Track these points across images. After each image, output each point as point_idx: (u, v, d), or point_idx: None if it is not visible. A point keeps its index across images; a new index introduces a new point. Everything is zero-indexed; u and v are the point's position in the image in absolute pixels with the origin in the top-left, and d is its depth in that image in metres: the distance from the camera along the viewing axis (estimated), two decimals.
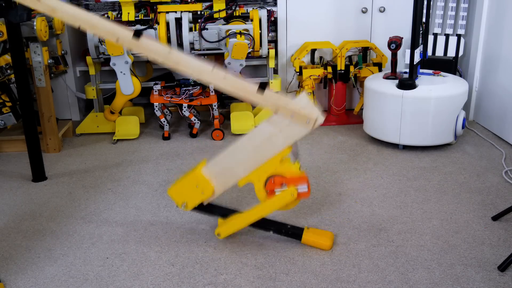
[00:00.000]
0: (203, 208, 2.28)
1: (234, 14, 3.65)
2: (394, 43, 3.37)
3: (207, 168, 2.18)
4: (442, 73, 3.46)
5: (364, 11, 3.93)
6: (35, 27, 3.10)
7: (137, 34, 1.96)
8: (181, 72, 2.02)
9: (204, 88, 3.66)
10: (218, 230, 2.28)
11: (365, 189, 2.79)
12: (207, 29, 3.53)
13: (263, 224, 2.29)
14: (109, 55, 3.42)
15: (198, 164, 2.21)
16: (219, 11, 3.58)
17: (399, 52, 3.93)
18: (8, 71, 3.14)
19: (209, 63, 1.99)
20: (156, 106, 3.61)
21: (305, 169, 3.05)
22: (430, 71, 3.48)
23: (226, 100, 4.17)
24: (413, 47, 3.14)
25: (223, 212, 2.32)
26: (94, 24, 1.98)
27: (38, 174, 3.01)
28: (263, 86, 2.00)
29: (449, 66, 3.86)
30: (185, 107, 3.56)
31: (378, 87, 3.31)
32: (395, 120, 3.24)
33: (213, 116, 3.66)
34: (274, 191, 2.13)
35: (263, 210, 2.19)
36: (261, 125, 2.10)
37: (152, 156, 3.35)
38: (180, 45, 3.60)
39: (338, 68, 3.76)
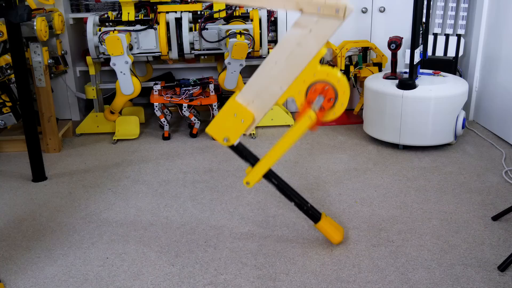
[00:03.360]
0: (238, 150, 2.13)
1: (234, 14, 3.65)
2: (394, 43, 3.37)
3: (241, 95, 2.02)
4: (442, 73, 3.46)
5: (364, 11, 3.93)
6: (35, 27, 3.10)
7: None
8: None
9: (204, 88, 3.66)
10: (247, 179, 2.13)
11: (365, 189, 2.79)
12: (207, 29, 3.53)
13: (289, 192, 2.18)
14: (109, 55, 3.42)
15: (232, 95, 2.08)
16: (219, 11, 3.58)
17: (399, 52, 3.93)
18: (8, 71, 3.14)
19: None
20: (156, 106, 3.61)
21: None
22: (430, 71, 3.48)
23: (226, 100, 4.17)
24: (413, 47, 3.14)
25: (254, 161, 2.14)
26: None
27: (38, 174, 3.01)
28: None
29: (449, 66, 3.86)
30: (185, 107, 3.56)
31: (378, 87, 3.31)
32: (395, 120, 3.24)
33: (213, 116, 3.66)
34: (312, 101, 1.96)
35: (286, 142, 2.03)
36: (288, 32, 1.92)
37: (152, 156, 3.35)
38: (180, 45, 3.60)
39: (338, 68, 3.77)
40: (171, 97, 3.55)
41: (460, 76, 3.91)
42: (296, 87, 1.96)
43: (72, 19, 3.96)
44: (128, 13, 3.54)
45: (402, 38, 3.45)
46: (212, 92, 3.63)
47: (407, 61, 3.93)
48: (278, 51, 1.94)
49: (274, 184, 2.16)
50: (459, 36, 3.84)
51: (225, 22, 3.65)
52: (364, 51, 3.90)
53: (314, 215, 2.21)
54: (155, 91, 3.62)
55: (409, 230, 2.36)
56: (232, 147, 2.12)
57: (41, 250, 2.28)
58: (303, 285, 1.99)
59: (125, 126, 3.70)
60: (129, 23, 3.58)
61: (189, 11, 3.56)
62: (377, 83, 3.35)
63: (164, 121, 3.65)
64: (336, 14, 1.80)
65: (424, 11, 3.21)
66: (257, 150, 3.30)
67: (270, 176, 2.15)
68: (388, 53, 3.82)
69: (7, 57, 3.07)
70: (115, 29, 3.44)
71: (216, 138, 2.10)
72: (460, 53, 3.87)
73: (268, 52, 3.68)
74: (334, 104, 2.00)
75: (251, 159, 2.15)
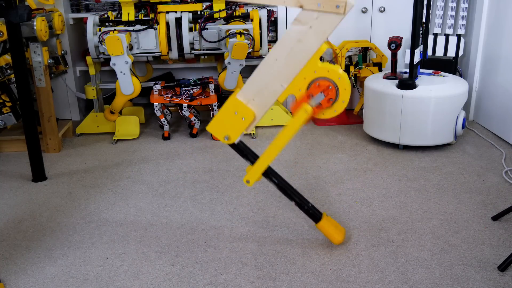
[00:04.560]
0: (239, 148, 2.13)
1: (234, 14, 3.65)
2: (394, 43, 3.37)
3: (242, 92, 2.01)
4: (442, 73, 3.46)
5: (364, 11, 3.93)
6: (35, 27, 3.10)
7: None
8: None
9: (204, 88, 3.66)
10: (247, 177, 2.12)
11: (365, 189, 2.79)
12: (207, 29, 3.53)
13: (290, 191, 2.18)
14: (109, 55, 3.42)
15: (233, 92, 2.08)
16: (219, 11, 3.58)
17: (399, 52, 3.93)
18: (8, 71, 3.14)
19: None
20: (156, 106, 3.61)
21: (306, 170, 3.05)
22: (430, 71, 3.48)
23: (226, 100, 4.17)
24: (413, 47, 3.14)
25: (254, 159, 2.14)
26: None
27: (38, 174, 3.01)
28: None
29: (449, 66, 3.86)
30: (185, 107, 3.56)
31: (378, 87, 3.31)
32: (395, 120, 3.24)
33: (213, 116, 3.66)
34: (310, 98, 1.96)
35: (282, 139, 2.03)
36: (288, 28, 1.90)
37: (152, 156, 3.35)
38: (180, 45, 3.60)
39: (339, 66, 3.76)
40: (171, 97, 3.55)
41: (460, 76, 3.91)
42: (297, 84, 1.96)
43: (72, 19, 3.96)
44: (128, 13, 3.54)
45: (402, 38, 3.45)
46: (212, 92, 3.63)
47: (407, 61, 3.93)
48: (279, 48, 1.93)
49: (274, 183, 2.16)
50: (459, 36, 3.84)
51: (225, 22, 3.65)
52: (364, 51, 3.90)
53: (314, 214, 2.21)
54: (155, 91, 3.62)
55: (409, 230, 2.36)
56: (233, 145, 2.12)
57: (41, 250, 2.27)
58: (303, 285, 1.99)
59: (125, 126, 3.70)
60: (129, 23, 3.58)
61: (189, 11, 3.56)
62: (377, 83, 3.35)
63: (164, 121, 3.65)
64: (337, 10, 1.79)
65: (424, 11, 3.21)
66: (257, 150, 3.29)
67: (270, 175, 2.15)
68: (388, 53, 3.82)
69: (7, 57, 3.07)
70: (115, 29, 3.44)
71: (217, 136, 2.09)
72: (460, 53, 3.87)
73: (268, 52, 3.68)
74: (335, 101, 2.00)
75: (252, 158, 2.15)
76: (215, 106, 3.61)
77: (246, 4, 3.87)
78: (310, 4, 1.81)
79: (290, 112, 1.86)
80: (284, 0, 1.85)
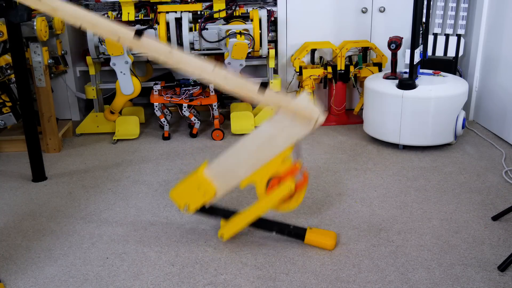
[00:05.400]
0: (205, 210, 2.27)
1: (234, 14, 3.65)
2: (394, 43, 3.37)
3: (209, 170, 2.17)
4: (442, 73, 3.46)
5: (364, 11, 3.93)
6: (35, 27, 3.10)
7: (138, 33, 1.95)
8: (182, 71, 2.02)
9: (204, 88, 3.66)
10: (221, 231, 2.27)
11: (365, 189, 2.79)
12: (207, 29, 3.53)
13: (266, 224, 2.29)
14: (109, 55, 3.42)
15: (199, 166, 2.20)
16: (219, 11, 3.58)
17: (399, 52, 3.93)
18: (8, 71, 3.14)
19: (210, 63, 1.99)
20: (156, 106, 3.61)
21: (306, 168, 3.05)
22: (430, 71, 3.48)
23: (226, 100, 4.17)
24: (413, 47, 3.14)
25: (225, 213, 2.31)
26: (95, 24, 1.98)
27: (38, 174, 3.01)
28: (264, 86, 1.99)
29: (449, 66, 3.86)
30: (185, 107, 3.56)
31: (378, 87, 3.31)
32: (395, 120, 3.24)
33: (213, 116, 3.66)
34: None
35: (263, 207, 2.17)
36: (262, 125, 2.10)
37: (152, 156, 3.35)
38: (180, 45, 3.60)
39: (338, 68, 3.76)
40: (171, 97, 3.55)
41: (460, 76, 3.91)
42: (259, 175, 2.12)
43: None
44: (128, 13, 3.54)
45: (402, 38, 3.45)
46: (212, 92, 3.63)
47: (407, 61, 3.92)
48: (251, 139, 2.11)
49: (249, 225, 2.26)
50: (459, 36, 3.84)
51: (225, 22, 3.65)
52: (364, 51, 3.90)
53: (298, 234, 2.27)
54: (155, 91, 3.62)
55: (409, 230, 2.36)
56: (198, 210, 2.25)
57: (41, 250, 2.28)
58: (303, 285, 1.99)
59: (125, 126, 3.70)
60: (129, 23, 3.58)
61: (189, 11, 3.56)
62: (377, 83, 3.35)
63: (164, 121, 3.65)
64: (307, 124, 1.99)
65: (424, 11, 3.21)
66: None
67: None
68: (388, 53, 3.82)
69: (7, 57, 3.07)
70: None
71: (177, 203, 2.24)
72: (460, 53, 3.87)
73: (268, 52, 3.68)
74: (293, 196, 2.14)
75: (222, 214, 2.30)
76: (215, 106, 3.61)
77: (246, 4, 3.87)
78: (286, 113, 2.00)
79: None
80: (267, 101, 1.99)
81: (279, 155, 2.07)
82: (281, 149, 2.06)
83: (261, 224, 2.28)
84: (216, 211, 2.31)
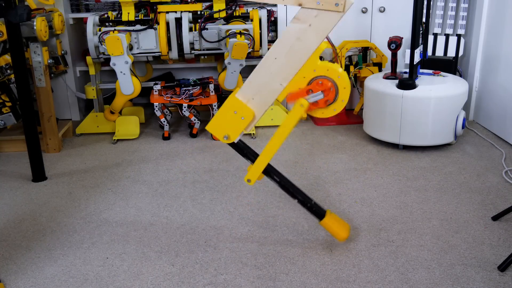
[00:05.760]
0: (238, 147, 2.13)
1: (234, 14, 3.65)
2: (394, 43, 3.37)
3: (241, 91, 2.01)
4: (442, 73, 3.46)
5: (364, 11, 3.93)
6: (35, 27, 3.10)
7: None
8: None
9: (204, 88, 3.66)
10: (248, 176, 2.11)
11: (365, 189, 2.79)
12: (207, 29, 3.53)
13: (292, 190, 2.17)
14: (109, 55, 3.42)
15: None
16: (219, 11, 3.58)
17: (399, 52, 3.93)
18: (8, 71, 3.14)
19: None
20: (156, 106, 3.61)
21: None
22: (430, 71, 3.48)
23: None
24: (413, 47, 3.14)
25: (255, 157, 2.13)
26: None
27: (38, 174, 3.01)
28: None
29: (449, 66, 3.86)
30: (185, 107, 3.56)
31: (378, 87, 3.31)
32: (395, 120, 3.24)
33: (213, 116, 3.65)
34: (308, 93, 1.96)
35: (280, 135, 2.02)
36: (287, 27, 1.91)
37: (152, 156, 3.35)
38: (180, 45, 3.60)
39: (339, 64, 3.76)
40: (171, 97, 3.55)
41: (460, 76, 3.91)
42: (296, 83, 1.96)
43: (72, 19, 3.96)
44: (128, 13, 3.54)
45: (402, 38, 3.45)
46: (212, 92, 3.63)
47: (407, 61, 3.93)
48: (278, 47, 1.93)
49: (276, 181, 2.15)
50: (459, 36, 3.84)
51: (225, 22, 3.65)
52: (364, 51, 3.90)
53: (318, 212, 2.19)
54: (155, 91, 3.62)
55: (409, 230, 2.36)
56: (232, 145, 2.12)
57: (41, 250, 2.28)
58: (303, 285, 1.99)
59: (125, 126, 3.70)
60: (129, 23, 3.58)
61: (189, 11, 3.56)
62: (377, 83, 3.35)
63: (164, 121, 3.65)
64: (336, 8, 1.80)
65: (424, 11, 3.21)
66: (257, 150, 3.29)
67: (271, 173, 2.14)
68: (388, 53, 3.82)
69: (7, 57, 3.07)
70: (115, 29, 3.44)
71: (216, 136, 2.09)
72: (460, 53, 3.87)
73: (268, 51, 3.67)
74: (335, 101, 1.99)
75: (252, 156, 2.14)
76: (215, 106, 3.61)
77: (246, 4, 3.87)
78: (309, 2, 1.81)
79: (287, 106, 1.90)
80: None
81: (313, 54, 1.89)
82: (314, 47, 1.88)
83: (288, 186, 2.16)
84: (248, 153, 2.16)
